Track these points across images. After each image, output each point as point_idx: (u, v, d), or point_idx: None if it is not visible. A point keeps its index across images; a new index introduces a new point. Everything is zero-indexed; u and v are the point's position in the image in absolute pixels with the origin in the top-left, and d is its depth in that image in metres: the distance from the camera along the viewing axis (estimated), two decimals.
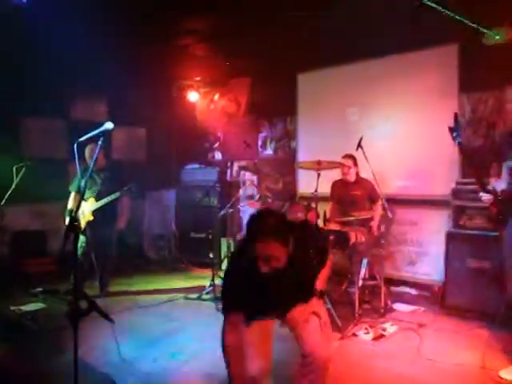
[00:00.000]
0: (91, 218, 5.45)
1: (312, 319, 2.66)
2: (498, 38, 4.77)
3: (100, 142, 2.90)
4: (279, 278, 2.50)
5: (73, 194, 5.57)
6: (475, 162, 4.97)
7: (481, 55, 4.99)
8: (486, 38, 4.80)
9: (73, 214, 2.69)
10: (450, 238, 4.88)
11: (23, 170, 5.32)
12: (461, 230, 4.78)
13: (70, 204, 5.54)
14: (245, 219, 7.57)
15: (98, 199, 5.44)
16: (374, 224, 5.10)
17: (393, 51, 5.80)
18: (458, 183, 5.01)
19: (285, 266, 2.45)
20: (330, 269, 2.95)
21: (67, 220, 5.35)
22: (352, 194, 5.33)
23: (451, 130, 3.56)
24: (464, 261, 4.62)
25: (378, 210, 5.19)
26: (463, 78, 5.32)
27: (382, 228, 5.31)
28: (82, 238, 5.28)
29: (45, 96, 6.40)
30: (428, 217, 5.69)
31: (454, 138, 3.55)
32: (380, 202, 5.17)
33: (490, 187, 3.58)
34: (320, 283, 2.80)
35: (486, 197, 3.58)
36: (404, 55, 5.78)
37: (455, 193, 4.93)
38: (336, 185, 5.61)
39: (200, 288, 5.79)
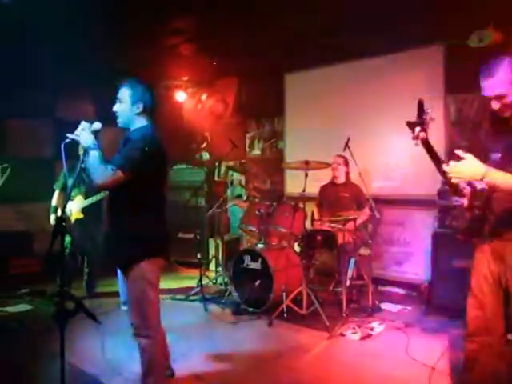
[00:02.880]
0: (81, 215, 5.39)
1: None
2: (482, 40, 4.82)
3: None
4: None
5: (57, 192, 5.48)
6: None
7: (467, 57, 5.04)
8: (471, 41, 4.85)
9: (59, 212, 2.67)
10: (436, 238, 4.91)
11: (8, 170, 5.27)
12: (446, 230, 4.82)
13: (55, 201, 5.45)
14: (232, 219, 7.56)
15: (86, 197, 5.38)
16: (355, 222, 5.01)
17: (380, 52, 5.83)
18: (443, 183, 5.04)
19: None
20: None
21: (52, 218, 5.29)
22: (340, 196, 5.36)
23: (412, 125, 2.52)
24: (450, 261, 4.65)
25: (363, 215, 5.21)
26: (449, 79, 5.38)
27: (370, 228, 5.33)
28: (67, 238, 5.23)
29: (31, 96, 6.33)
30: (415, 217, 5.73)
31: (415, 137, 2.51)
32: (367, 208, 5.20)
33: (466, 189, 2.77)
34: None
35: (457, 202, 2.93)
36: (391, 56, 5.81)
37: (441, 193, 4.95)
38: (324, 188, 5.64)
39: (188, 289, 5.78)
